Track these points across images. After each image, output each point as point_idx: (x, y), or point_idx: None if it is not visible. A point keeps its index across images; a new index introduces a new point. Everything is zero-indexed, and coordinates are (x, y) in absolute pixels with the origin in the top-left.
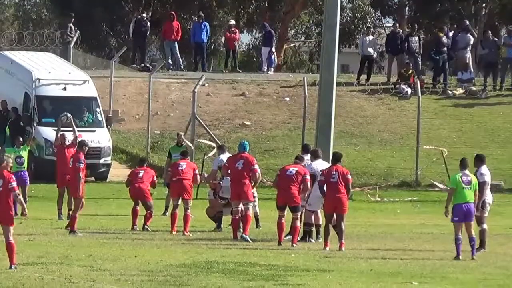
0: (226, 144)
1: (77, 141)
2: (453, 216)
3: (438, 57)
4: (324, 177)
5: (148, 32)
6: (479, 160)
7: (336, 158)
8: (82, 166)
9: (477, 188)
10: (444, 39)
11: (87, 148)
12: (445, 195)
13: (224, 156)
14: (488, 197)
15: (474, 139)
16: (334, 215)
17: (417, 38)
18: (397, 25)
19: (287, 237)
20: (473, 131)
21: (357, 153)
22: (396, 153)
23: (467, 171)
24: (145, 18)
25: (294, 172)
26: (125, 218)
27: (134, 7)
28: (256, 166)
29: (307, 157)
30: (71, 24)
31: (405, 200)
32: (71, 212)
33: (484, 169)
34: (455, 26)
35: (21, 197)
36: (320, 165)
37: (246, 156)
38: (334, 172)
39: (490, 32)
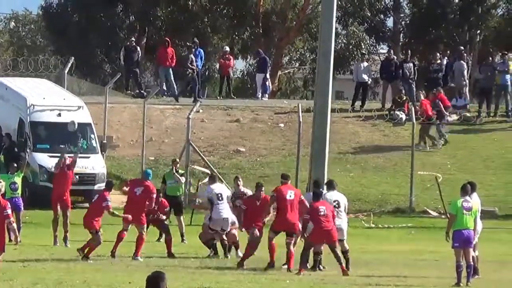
0: (220, 171)
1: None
2: (454, 242)
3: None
4: (312, 211)
5: (139, 58)
6: (470, 187)
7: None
8: (110, 204)
9: (478, 214)
10: (436, 66)
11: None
12: (439, 221)
13: (215, 186)
14: (478, 224)
15: (468, 165)
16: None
17: (411, 64)
18: (392, 51)
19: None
20: (467, 157)
21: (352, 179)
22: (391, 179)
23: (468, 197)
24: (134, 44)
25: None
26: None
27: (129, 33)
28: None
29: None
30: (192, 56)
31: (399, 227)
32: (66, 233)
33: (474, 196)
34: (448, 52)
35: (14, 224)
36: (330, 196)
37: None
38: (322, 206)
39: (490, 58)
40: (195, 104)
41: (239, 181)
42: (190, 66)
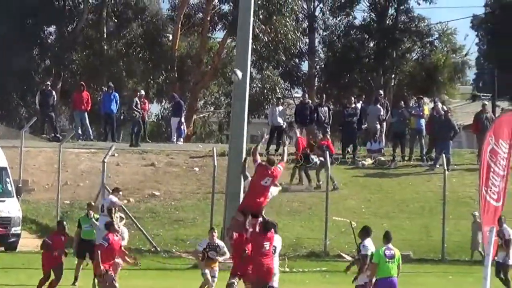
0: (135, 214)
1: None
2: None
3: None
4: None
5: (55, 102)
6: (365, 232)
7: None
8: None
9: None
10: (351, 110)
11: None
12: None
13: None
14: None
15: (383, 209)
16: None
17: (326, 108)
18: (306, 95)
19: None
20: (382, 201)
21: None
22: (305, 223)
23: (390, 245)
24: (49, 88)
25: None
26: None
27: (44, 77)
28: None
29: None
30: (136, 99)
31: (314, 271)
32: None
33: (367, 241)
34: (364, 97)
35: None
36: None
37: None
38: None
39: (402, 102)
40: (110, 148)
41: (214, 232)
42: (135, 108)
